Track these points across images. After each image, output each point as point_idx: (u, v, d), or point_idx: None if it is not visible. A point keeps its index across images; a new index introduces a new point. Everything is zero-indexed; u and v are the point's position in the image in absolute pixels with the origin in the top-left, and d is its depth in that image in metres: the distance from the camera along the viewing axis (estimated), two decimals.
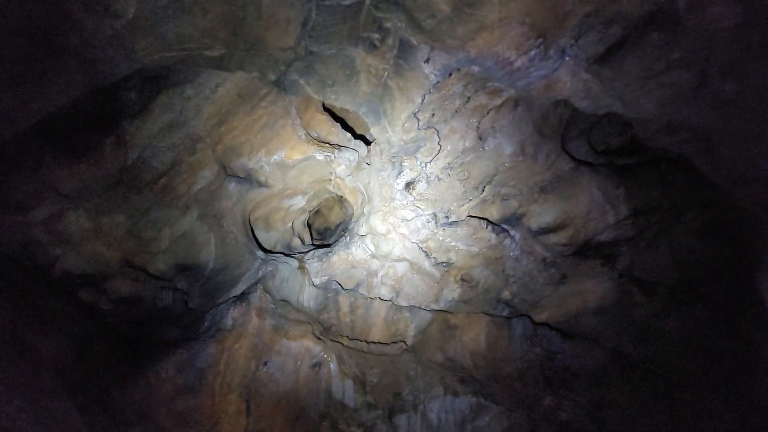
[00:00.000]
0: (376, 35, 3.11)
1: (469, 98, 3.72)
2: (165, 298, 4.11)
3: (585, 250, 4.49)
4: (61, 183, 3.59)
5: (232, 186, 4.17)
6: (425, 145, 4.00)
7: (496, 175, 4.25)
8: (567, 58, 2.84)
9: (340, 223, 4.65)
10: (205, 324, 4.16)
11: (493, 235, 4.43)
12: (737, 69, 2.50)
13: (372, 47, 3.30)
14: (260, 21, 2.98)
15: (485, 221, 4.45)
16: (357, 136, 4.18)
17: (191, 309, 4.20)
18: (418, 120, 3.77)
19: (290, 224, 4.34)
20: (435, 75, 3.35)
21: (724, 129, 2.80)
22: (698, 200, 3.84)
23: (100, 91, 3.24)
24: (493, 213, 4.45)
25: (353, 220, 4.49)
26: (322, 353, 4.32)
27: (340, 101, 3.71)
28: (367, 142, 4.12)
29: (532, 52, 2.86)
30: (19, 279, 3.61)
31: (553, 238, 4.41)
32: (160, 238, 4.03)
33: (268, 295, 4.30)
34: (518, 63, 2.97)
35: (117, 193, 3.83)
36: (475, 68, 3.30)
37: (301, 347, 4.29)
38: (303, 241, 4.47)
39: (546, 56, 2.86)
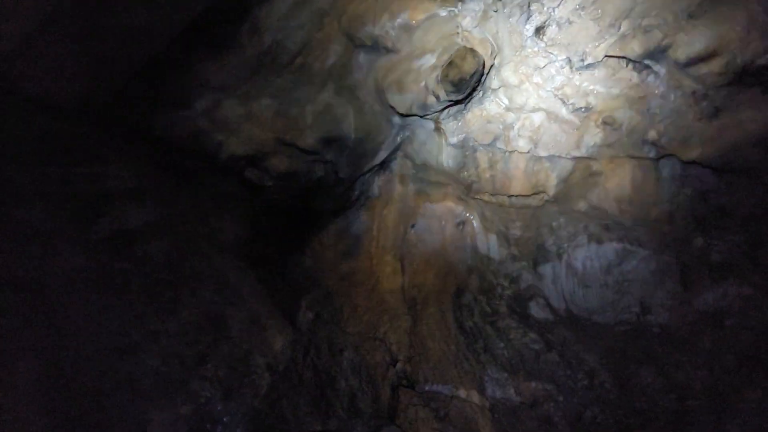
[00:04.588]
0: None
1: None
2: (318, 170, 5.18)
3: (743, 78, 4.60)
4: (212, 76, 4.58)
5: (362, 56, 4.95)
6: None
7: (634, 8, 4.47)
8: None
9: (474, 72, 5.18)
10: (356, 192, 5.17)
11: (635, 74, 4.79)
12: None
13: None
14: None
15: (625, 59, 4.81)
16: None
17: (342, 179, 5.25)
18: None
19: (423, 83, 5.01)
20: None
21: None
22: None
23: None
24: (634, 48, 4.72)
25: (485, 71, 5.05)
26: (464, 212, 5.14)
27: None
28: None
29: None
30: (194, 167, 4.78)
31: (705, 68, 4.62)
32: (304, 115, 5.02)
33: (408, 161, 5.16)
34: None
35: (260, 78, 4.80)
36: None
37: (444, 208, 5.16)
38: (438, 98, 5.13)
39: None
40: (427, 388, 3.69)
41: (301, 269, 4.66)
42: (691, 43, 4.53)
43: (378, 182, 4.97)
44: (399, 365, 3.83)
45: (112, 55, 3.52)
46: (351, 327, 4.26)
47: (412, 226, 5.12)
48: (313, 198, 4.96)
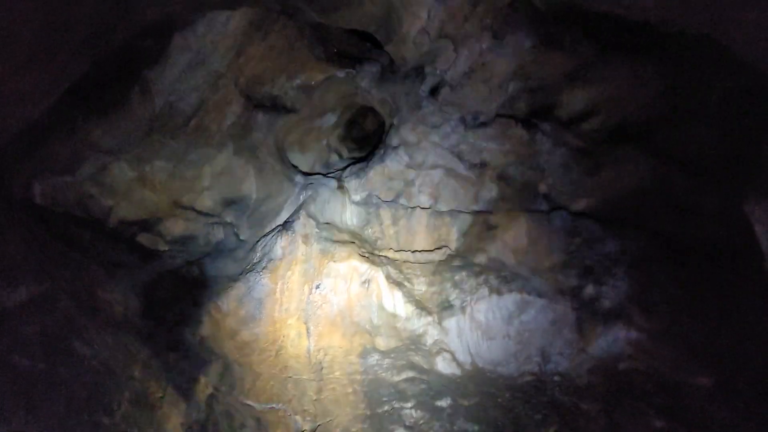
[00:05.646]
0: None
1: (476, 3, 4.34)
2: (217, 233, 5.15)
3: (619, 134, 5.11)
4: (100, 139, 4.51)
5: (261, 116, 5.07)
6: (442, 54, 4.88)
7: (519, 71, 4.92)
8: None
9: (375, 130, 5.39)
10: (257, 254, 5.18)
11: (524, 131, 5.22)
12: None
13: None
14: None
15: (514, 119, 5.22)
16: (377, 45, 4.97)
17: (243, 241, 5.24)
18: (428, 33, 4.56)
19: (325, 141, 5.19)
20: None
21: None
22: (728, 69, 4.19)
23: (117, 49, 4.06)
24: (522, 108, 5.16)
25: (385, 129, 5.32)
26: (369, 270, 5.27)
27: (347, 23, 4.51)
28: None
29: None
30: (80, 235, 4.62)
31: (586, 126, 5.10)
32: (202, 177, 5.02)
33: (311, 220, 5.26)
34: None
35: (153, 141, 4.77)
36: None
37: (349, 267, 5.26)
38: (341, 155, 5.28)
39: None
40: None
41: (199, 339, 4.52)
42: (571, 103, 5.03)
43: (281, 243, 5.01)
44: None
45: None
46: (253, 398, 4.20)
47: (317, 286, 5.18)
48: (212, 262, 4.88)
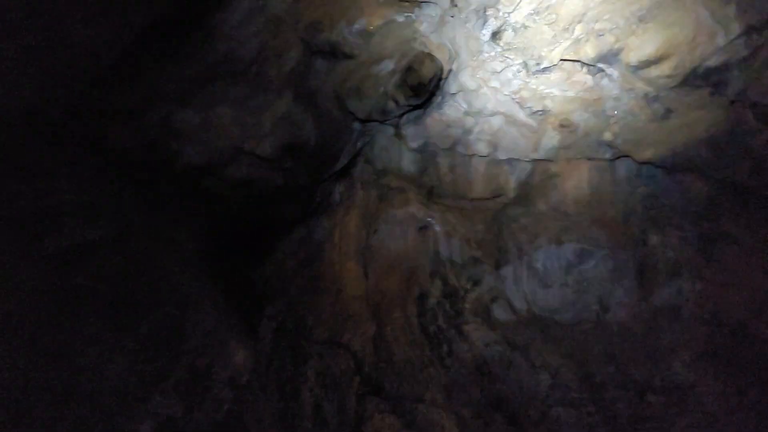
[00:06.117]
0: None
1: None
2: (277, 178, 5.29)
3: (692, 80, 4.92)
4: (166, 85, 4.64)
5: (319, 63, 5.10)
6: None
7: (586, 12, 4.75)
8: None
9: (433, 77, 5.36)
10: (317, 200, 5.31)
11: (589, 77, 5.07)
12: None
13: None
14: None
15: (579, 63, 5.06)
16: None
17: (302, 186, 5.38)
18: None
19: (382, 88, 5.17)
20: None
21: None
22: None
23: None
24: (588, 52, 5.00)
25: (443, 76, 5.26)
26: (426, 217, 5.32)
27: None
28: None
29: None
30: (150, 179, 4.84)
31: (656, 71, 4.91)
32: (262, 123, 5.12)
33: (369, 166, 5.32)
34: None
35: (216, 87, 4.88)
36: None
37: (406, 214, 5.34)
38: (398, 103, 5.32)
39: None
40: (393, 394, 3.76)
41: (263, 279, 4.75)
42: (641, 46, 4.79)
43: (339, 189, 5.10)
44: (364, 371, 3.92)
45: (62, 67, 3.56)
46: (315, 335, 4.37)
47: (375, 231, 5.25)
48: (273, 206, 5.04)
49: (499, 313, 4.75)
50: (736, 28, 4.51)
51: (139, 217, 4.21)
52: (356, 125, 5.27)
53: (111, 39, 3.81)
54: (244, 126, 4.92)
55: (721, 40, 4.63)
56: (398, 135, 5.30)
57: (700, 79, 4.87)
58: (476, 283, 5.30)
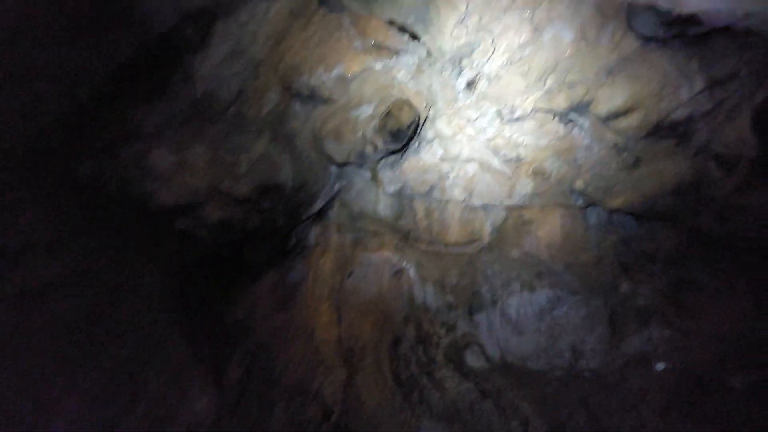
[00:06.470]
0: None
1: None
2: (254, 220, 5.30)
3: (658, 131, 5.11)
4: (142, 123, 4.68)
5: (298, 105, 5.20)
6: (479, 46, 4.93)
7: (558, 65, 4.96)
8: None
9: (411, 122, 5.41)
10: (292, 242, 5.32)
11: (561, 126, 5.24)
12: None
13: None
14: None
15: (551, 113, 5.24)
16: (414, 38, 5.01)
17: (278, 228, 5.39)
18: (467, 26, 4.65)
19: (361, 133, 5.25)
20: None
21: None
22: None
23: (160, 36, 4.22)
24: (560, 103, 5.17)
25: (421, 122, 5.38)
26: (401, 261, 5.38)
27: (386, 14, 4.63)
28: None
29: None
30: (122, 218, 4.81)
31: (624, 122, 5.08)
32: (239, 163, 5.16)
33: (345, 210, 5.37)
34: None
35: (193, 126, 4.92)
36: None
37: (381, 258, 5.38)
38: (376, 147, 5.35)
39: None
40: None
41: (235, 321, 4.68)
42: (610, 98, 4.99)
43: (315, 231, 5.12)
44: (333, 419, 3.87)
45: (30, 101, 3.55)
46: (284, 380, 4.31)
47: (349, 275, 5.24)
48: (249, 248, 5.02)
49: (472, 360, 4.74)
50: (699, 82, 4.73)
51: (107, 255, 4.15)
52: (333, 168, 5.36)
53: (85, 74, 3.81)
54: (220, 166, 4.93)
55: (685, 94, 4.83)
56: (375, 179, 5.38)
57: (667, 130, 5.06)
58: (450, 329, 5.27)
